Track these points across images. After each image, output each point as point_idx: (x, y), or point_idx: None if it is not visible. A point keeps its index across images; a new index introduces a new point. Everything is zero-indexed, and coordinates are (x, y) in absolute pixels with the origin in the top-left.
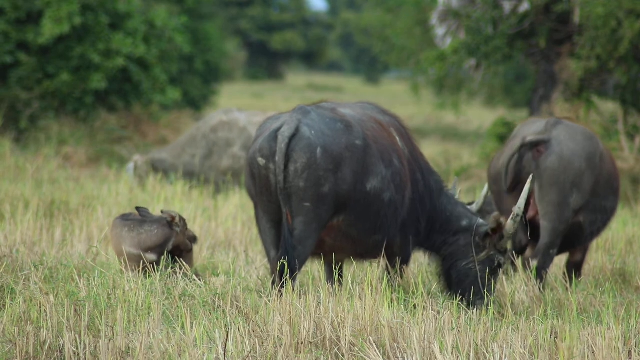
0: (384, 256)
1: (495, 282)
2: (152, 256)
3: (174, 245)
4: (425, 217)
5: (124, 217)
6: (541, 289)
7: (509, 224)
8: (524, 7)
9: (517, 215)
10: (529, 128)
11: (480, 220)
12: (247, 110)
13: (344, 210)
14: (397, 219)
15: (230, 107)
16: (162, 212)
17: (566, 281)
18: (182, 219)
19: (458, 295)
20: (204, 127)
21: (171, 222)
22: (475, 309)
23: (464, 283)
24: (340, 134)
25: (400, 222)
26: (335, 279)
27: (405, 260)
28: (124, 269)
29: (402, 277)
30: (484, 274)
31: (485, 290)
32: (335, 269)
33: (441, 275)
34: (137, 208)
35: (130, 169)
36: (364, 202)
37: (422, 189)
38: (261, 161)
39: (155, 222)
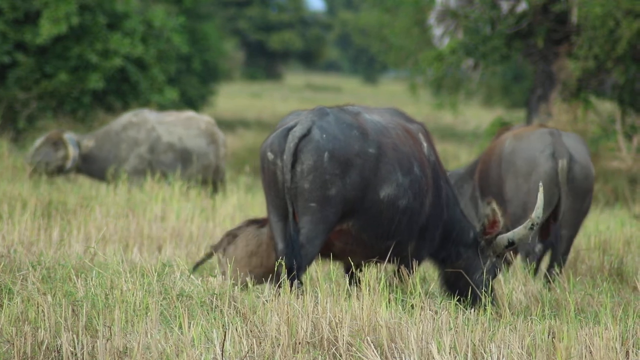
0: (390, 259)
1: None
2: None
3: None
4: (442, 224)
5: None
6: (542, 288)
7: (523, 232)
8: (522, 7)
9: (534, 224)
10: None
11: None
12: (161, 112)
13: (354, 215)
14: (413, 225)
15: (141, 109)
16: None
17: (564, 281)
18: None
19: (472, 306)
20: (115, 125)
21: None
22: (473, 310)
23: (477, 295)
24: (353, 141)
25: (417, 228)
26: (333, 278)
27: (417, 263)
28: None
29: (401, 280)
30: (489, 282)
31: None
32: (333, 268)
33: (455, 290)
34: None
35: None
36: (376, 208)
37: (444, 195)
38: (270, 156)
39: None
